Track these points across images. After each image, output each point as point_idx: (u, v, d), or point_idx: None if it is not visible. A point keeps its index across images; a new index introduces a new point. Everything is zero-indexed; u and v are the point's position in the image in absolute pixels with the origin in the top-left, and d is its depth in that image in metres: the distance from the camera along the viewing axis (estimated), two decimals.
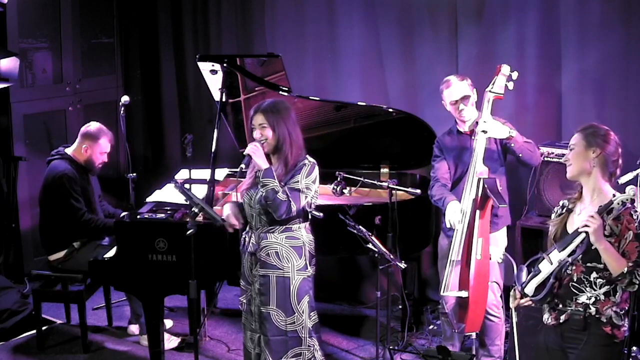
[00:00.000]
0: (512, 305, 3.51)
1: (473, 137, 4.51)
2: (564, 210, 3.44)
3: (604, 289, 3.28)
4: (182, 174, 5.52)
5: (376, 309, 4.68)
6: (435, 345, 4.53)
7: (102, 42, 6.85)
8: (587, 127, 3.37)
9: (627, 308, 3.35)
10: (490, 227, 4.36)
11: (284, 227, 3.99)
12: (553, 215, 3.50)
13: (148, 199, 5.07)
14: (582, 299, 3.31)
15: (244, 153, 3.95)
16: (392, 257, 4.45)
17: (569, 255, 3.26)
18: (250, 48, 6.41)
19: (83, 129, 5.32)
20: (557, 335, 3.39)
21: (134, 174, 5.57)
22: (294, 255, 3.99)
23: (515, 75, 4.29)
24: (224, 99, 5.02)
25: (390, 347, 4.81)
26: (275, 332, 4.00)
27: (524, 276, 3.41)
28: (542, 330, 3.48)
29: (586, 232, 3.17)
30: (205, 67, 5.10)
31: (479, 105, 4.45)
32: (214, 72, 5.07)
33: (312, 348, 4.09)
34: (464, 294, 4.29)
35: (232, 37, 6.55)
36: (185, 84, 6.89)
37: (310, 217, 4.11)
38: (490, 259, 4.29)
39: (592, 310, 3.28)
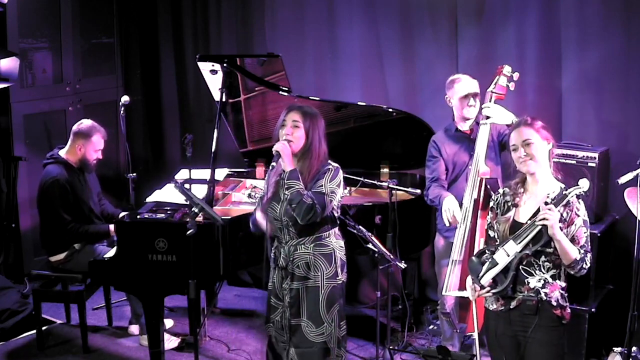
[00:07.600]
0: (472, 297, 3.54)
1: (472, 136, 4.52)
2: (509, 205, 3.45)
3: (550, 272, 3.34)
4: (182, 174, 5.51)
5: (376, 309, 4.68)
6: (435, 345, 4.53)
7: (102, 42, 6.84)
8: (531, 121, 3.47)
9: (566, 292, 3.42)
10: None
11: (314, 236, 3.90)
12: (493, 206, 3.52)
13: (148, 199, 5.06)
14: (533, 282, 3.35)
15: (273, 149, 3.87)
16: (392, 257, 4.45)
17: (524, 247, 3.30)
18: (250, 48, 6.40)
19: (75, 127, 5.28)
20: (506, 321, 3.43)
21: (134, 174, 5.57)
22: (323, 263, 3.90)
23: (516, 76, 4.30)
24: (224, 99, 5.02)
25: (390, 347, 4.81)
26: (307, 344, 3.92)
27: (478, 267, 3.44)
28: (487, 318, 3.52)
29: (544, 225, 3.22)
30: (205, 67, 5.10)
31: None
32: (214, 72, 5.08)
33: (340, 359, 4.02)
34: (466, 293, 4.28)
35: (232, 37, 6.54)
36: (185, 84, 6.88)
37: (339, 222, 4.03)
38: None
39: (543, 294, 3.34)
